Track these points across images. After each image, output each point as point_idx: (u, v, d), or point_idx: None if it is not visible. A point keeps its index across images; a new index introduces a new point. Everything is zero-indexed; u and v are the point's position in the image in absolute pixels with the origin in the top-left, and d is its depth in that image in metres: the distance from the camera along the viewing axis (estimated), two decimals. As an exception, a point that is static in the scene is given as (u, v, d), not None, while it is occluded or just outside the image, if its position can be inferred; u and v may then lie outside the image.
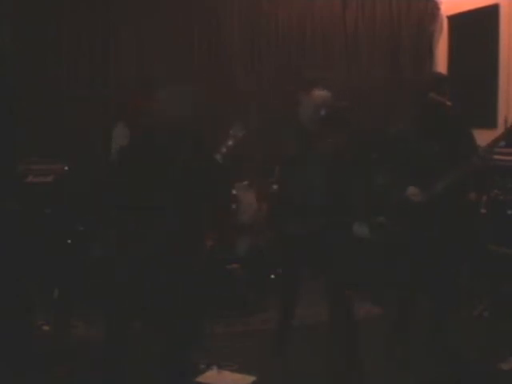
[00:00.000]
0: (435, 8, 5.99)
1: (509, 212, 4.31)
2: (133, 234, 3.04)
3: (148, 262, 3.02)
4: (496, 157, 4.07)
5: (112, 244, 3.08)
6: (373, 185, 3.67)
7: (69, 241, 4.40)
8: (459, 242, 3.67)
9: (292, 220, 3.45)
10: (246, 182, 4.95)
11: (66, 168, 4.47)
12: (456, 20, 5.83)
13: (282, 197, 3.56)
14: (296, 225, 3.43)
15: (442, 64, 5.98)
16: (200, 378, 3.42)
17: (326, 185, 3.39)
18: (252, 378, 3.44)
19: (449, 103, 3.48)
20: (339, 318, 3.32)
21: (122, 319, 3.17)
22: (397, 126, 3.79)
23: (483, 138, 4.13)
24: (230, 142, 4.01)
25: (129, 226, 3.06)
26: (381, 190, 3.71)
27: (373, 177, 3.69)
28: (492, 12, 5.28)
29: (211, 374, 3.47)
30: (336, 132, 3.50)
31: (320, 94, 3.48)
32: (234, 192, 4.83)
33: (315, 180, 3.39)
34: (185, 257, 3.17)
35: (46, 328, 3.98)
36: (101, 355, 3.28)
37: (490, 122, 5.21)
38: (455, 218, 3.57)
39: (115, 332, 3.19)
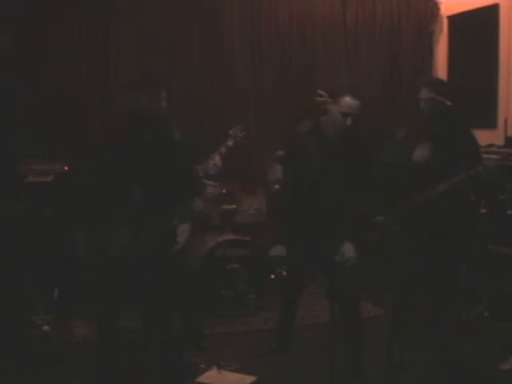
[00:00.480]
0: (435, 8, 5.99)
1: (509, 212, 4.31)
2: (115, 232, 3.01)
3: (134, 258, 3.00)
4: (496, 157, 4.07)
5: (98, 243, 3.06)
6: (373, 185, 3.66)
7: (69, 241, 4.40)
8: (459, 241, 3.67)
9: (302, 222, 3.43)
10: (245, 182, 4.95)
11: (66, 168, 4.47)
12: (456, 20, 5.83)
13: (291, 199, 3.53)
14: (306, 227, 3.41)
15: (441, 64, 5.98)
16: (200, 378, 3.42)
17: (339, 191, 3.35)
18: (252, 378, 3.44)
19: (449, 103, 3.48)
20: (346, 318, 3.31)
21: (112, 319, 3.16)
22: (397, 128, 3.78)
23: (483, 138, 4.14)
24: (230, 143, 4.00)
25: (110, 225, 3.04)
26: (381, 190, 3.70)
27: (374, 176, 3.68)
28: (492, 12, 5.29)
29: (211, 374, 3.47)
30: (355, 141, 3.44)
31: (350, 101, 3.34)
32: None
33: (328, 186, 3.35)
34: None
35: (46, 328, 3.98)
36: (100, 355, 3.28)
37: (490, 122, 5.22)
38: (455, 218, 3.57)
39: (108, 332, 3.18)
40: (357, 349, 3.39)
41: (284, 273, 4.90)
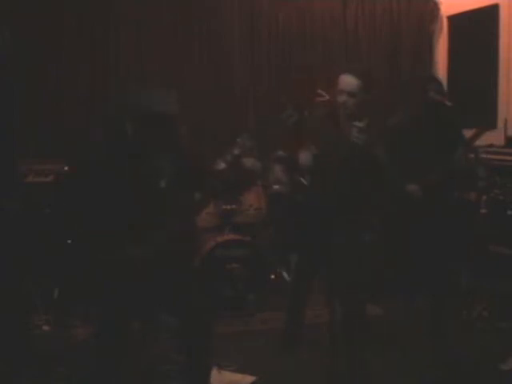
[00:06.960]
0: (435, 8, 6.00)
1: (509, 212, 4.32)
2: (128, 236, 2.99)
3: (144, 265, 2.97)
4: (496, 157, 4.07)
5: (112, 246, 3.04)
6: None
7: (69, 241, 4.40)
8: (459, 242, 3.68)
9: (305, 222, 3.42)
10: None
11: (66, 168, 4.47)
12: (456, 20, 5.83)
13: (293, 199, 3.53)
14: (308, 228, 3.40)
15: (441, 64, 5.98)
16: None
17: (340, 187, 3.34)
18: (252, 378, 3.44)
19: (449, 103, 3.48)
20: (351, 319, 3.30)
21: (119, 320, 3.14)
22: (395, 124, 3.77)
23: (483, 138, 4.14)
24: (237, 151, 3.91)
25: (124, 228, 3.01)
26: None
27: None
28: (492, 12, 5.29)
29: (211, 374, 3.47)
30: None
31: (344, 78, 3.24)
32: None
33: (329, 182, 3.35)
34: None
35: (45, 328, 3.98)
36: (100, 355, 3.27)
37: (490, 122, 5.22)
38: (455, 218, 3.57)
39: (113, 333, 3.16)
40: (362, 349, 3.38)
41: (284, 273, 4.90)
